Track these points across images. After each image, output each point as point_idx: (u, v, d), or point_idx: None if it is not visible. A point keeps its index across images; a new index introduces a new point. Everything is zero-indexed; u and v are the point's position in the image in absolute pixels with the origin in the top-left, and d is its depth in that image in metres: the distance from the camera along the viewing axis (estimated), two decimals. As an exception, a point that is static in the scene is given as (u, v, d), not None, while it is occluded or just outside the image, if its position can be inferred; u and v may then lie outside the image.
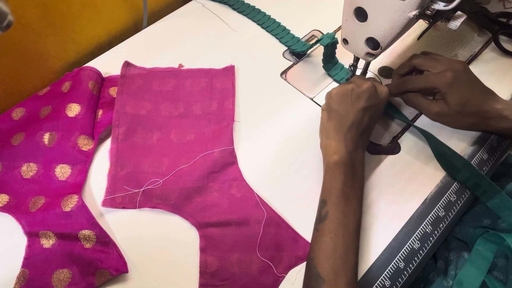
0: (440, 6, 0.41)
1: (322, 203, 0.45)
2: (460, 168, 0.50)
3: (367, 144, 0.50)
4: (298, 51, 0.62)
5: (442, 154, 0.52)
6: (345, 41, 0.50)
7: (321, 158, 0.53)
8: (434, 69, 0.50)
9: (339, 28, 0.64)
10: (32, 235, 0.46)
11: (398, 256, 0.46)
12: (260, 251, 0.46)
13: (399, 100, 0.56)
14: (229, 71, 0.60)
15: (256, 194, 0.49)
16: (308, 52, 0.63)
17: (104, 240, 0.45)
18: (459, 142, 0.53)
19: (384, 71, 0.61)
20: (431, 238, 0.48)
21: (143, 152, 0.53)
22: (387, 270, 0.45)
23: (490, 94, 0.49)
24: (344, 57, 0.60)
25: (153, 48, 0.64)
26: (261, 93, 0.59)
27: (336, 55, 0.60)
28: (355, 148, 0.46)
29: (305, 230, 0.47)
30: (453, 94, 0.48)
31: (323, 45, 0.56)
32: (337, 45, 0.57)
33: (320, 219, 0.44)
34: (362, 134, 0.47)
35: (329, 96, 0.48)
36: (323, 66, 0.60)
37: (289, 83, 0.60)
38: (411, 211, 0.49)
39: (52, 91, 0.58)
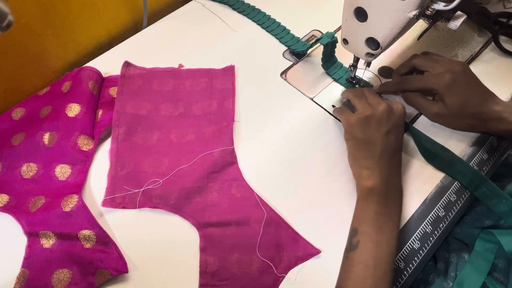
0: (440, 6, 0.41)
1: (353, 231, 0.44)
2: (436, 153, 0.50)
3: (401, 164, 0.49)
4: (298, 51, 0.62)
5: (420, 143, 0.52)
6: (345, 41, 0.50)
7: (321, 157, 0.53)
8: (433, 69, 0.50)
9: (339, 28, 0.64)
10: (32, 235, 0.46)
11: (398, 256, 0.46)
12: (260, 251, 0.46)
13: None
14: (229, 71, 0.60)
15: (256, 194, 0.49)
16: (308, 52, 0.63)
17: (104, 240, 0.45)
18: (459, 143, 0.53)
19: (384, 71, 0.61)
20: (431, 238, 0.48)
21: (143, 152, 0.53)
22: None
23: (489, 96, 0.49)
24: (343, 57, 0.60)
25: (153, 48, 0.64)
26: (261, 93, 0.59)
27: (335, 55, 0.60)
28: (390, 174, 0.45)
29: (305, 230, 0.47)
30: (452, 96, 0.48)
31: (322, 44, 0.56)
32: (337, 44, 0.57)
33: (350, 248, 0.43)
34: (393, 157, 0.46)
35: (349, 124, 0.47)
36: (322, 65, 0.60)
37: (289, 83, 0.60)
38: (411, 211, 0.49)
39: (52, 91, 0.58)
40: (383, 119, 0.45)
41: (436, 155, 0.50)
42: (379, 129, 0.45)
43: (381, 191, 0.44)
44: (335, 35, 0.56)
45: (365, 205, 0.44)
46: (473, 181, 0.49)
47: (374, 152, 0.45)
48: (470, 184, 0.50)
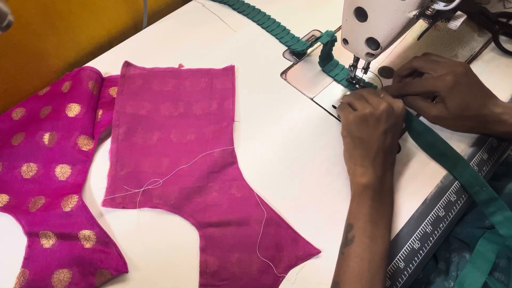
0: (440, 6, 0.41)
1: (349, 226, 0.44)
2: (421, 131, 0.51)
3: (395, 163, 0.50)
4: (298, 51, 0.62)
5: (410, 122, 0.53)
6: (345, 41, 0.50)
7: (321, 157, 0.53)
8: (434, 71, 0.49)
9: (339, 28, 0.64)
10: (32, 235, 0.46)
11: (398, 256, 0.46)
12: (260, 251, 0.46)
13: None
14: (229, 71, 0.60)
15: (256, 194, 0.49)
16: (308, 51, 0.63)
17: (104, 240, 0.45)
18: (459, 143, 0.53)
19: (384, 71, 0.61)
20: (431, 238, 0.48)
21: (143, 152, 0.53)
22: (387, 270, 0.45)
23: (490, 97, 0.49)
24: (343, 57, 0.60)
25: (153, 48, 0.64)
26: (261, 93, 0.59)
27: (332, 53, 0.60)
28: (384, 172, 0.46)
29: (305, 230, 0.47)
30: (453, 98, 0.48)
31: (322, 43, 0.56)
32: (336, 44, 0.57)
33: (346, 243, 0.44)
34: (389, 155, 0.47)
35: (347, 121, 0.47)
36: (319, 63, 0.60)
37: (289, 83, 0.60)
38: (411, 211, 0.49)
39: (52, 91, 0.58)
40: (382, 118, 0.46)
41: (419, 133, 0.52)
42: (377, 127, 0.45)
43: (375, 188, 0.45)
44: (335, 34, 0.56)
45: (359, 202, 0.45)
46: (457, 167, 0.50)
47: (370, 151, 0.45)
48: (454, 169, 0.51)
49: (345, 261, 0.42)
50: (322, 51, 0.58)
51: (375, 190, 0.45)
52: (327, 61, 0.61)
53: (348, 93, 0.58)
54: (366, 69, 0.54)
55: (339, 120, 0.55)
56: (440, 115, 0.50)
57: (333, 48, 0.59)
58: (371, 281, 0.40)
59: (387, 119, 0.46)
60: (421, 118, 0.54)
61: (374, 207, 0.44)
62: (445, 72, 0.48)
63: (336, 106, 0.57)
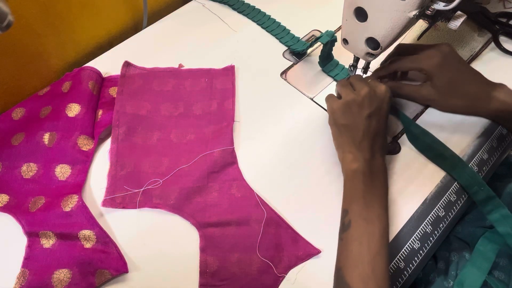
0: (440, 6, 0.41)
1: (344, 212, 0.45)
2: (418, 134, 0.51)
3: (386, 147, 0.50)
4: (298, 50, 0.62)
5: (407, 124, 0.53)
6: (345, 41, 0.50)
7: (321, 157, 0.53)
8: (421, 51, 0.50)
9: (339, 28, 0.64)
10: (32, 235, 0.46)
11: (398, 256, 0.46)
12: (260, 251, 0.46)
13: (398, 100, 0.56)
14: (229, 71, 0.60)
15: (256, 194, 0.49)
16: (308, 51, 0.63)
17: (104, 240, 0.45)
18: (459, 143, 0.53)
19: (384, 71, 0.61)
20: (431, 238, 0.48)
21: (143, 152, 0.53)
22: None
23: (476, 75, 0.50)
24: (343, 57, 0.60)
25: (153, 48, 0.64)
26: (261, 93, 0.59)
27: (332, 53, 0.60)
28: (372, 155, 0.46)
29: (305, 230, 0.47)
30: (441, 76, 0.49)
31: (322, 43, 0.56)
32: (336, 44, 0.57)
33: (343, 228, 0.44)
34: (376, 139, 0.47)
35: (332, 110, 0.48)
36: (319, 63, 0.60)
37: (289, 83, 0.60)
38: (411, 211, 0.49)
39: (52, 91, 0.58)
40: (364, 103, 0.46)
41: (416, 137, 0.52)
42: (360, 113, 0.46)
43: (365, 171, 0.45)
44: (335, 34, 0.56)
45: (351, 186, 0.45)
46: (456, 168, 0.50)
47: (356, 136, 0.46)
48: (452, 170, 0.51)
49: (344, 246, 0.43)
50: (322, 51, 0.58)
51: (365, 174, 0.45)
52: (327, 61, 0.61)
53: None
54: (366, 69, 0.54)
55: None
56: (429, 94, 0.50)
57: (333, 48, 0.59)
58: (372, 262, 0.40)
59: (370, 103, 0.46)
60: (418, 121, 0.54)
61: (366, 190, 0.44)
62: (431, 51, 0.49)
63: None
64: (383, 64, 0.55)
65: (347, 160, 0.46)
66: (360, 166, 0.45)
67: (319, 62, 0.60)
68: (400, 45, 0.54)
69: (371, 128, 0.46)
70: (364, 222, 0.43)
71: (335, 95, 0.50)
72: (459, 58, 0.50)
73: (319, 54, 0.59)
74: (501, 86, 0.50)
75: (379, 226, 0.43)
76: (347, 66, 0.60)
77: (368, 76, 0.55)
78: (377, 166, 0.47)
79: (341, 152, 0.48)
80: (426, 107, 0.56)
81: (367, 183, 0.45)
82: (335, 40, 0.57)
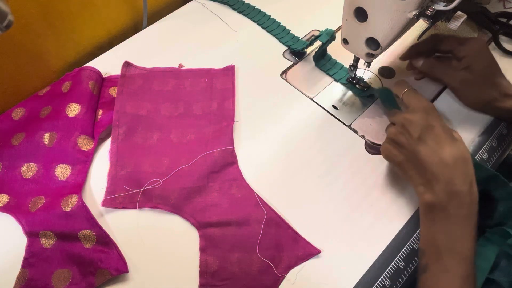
0: (440, 6, 0.41)
1: (420, 252, 0.41)
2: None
3: (471, 172, 0.41)
4: (298, 50, 0.62)
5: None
6: (345, 41, 0.50)
7: (321, 157, 0.53)
8: (459, 41, 0.51)
9: (339, 28, 0.64)
10: (32, 235, 0.46)
11: (398, 256, 0.46)
12: (260, 251, 0.46)
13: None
14: (229, 71, 0.60)
15: (256, 194, 0.49)
16: (308, 51, 0.63)
17: (104, 240, 0.45)
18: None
19: (384, 71, 0.61)
20: (431, 238, 0.48)
21: (143, 152, 0.53)
22: (387, 270, 0.45)
23: (500, 70, 0.51)
24: (343, 56, 0.60)
25: (153, 48, 0.64)
26: (261, 93, 0.59)
27: (327, 50, 0.61)
28: (449, 183, 0.39)
29: (305, 230, 0.47)
30: (478, 62, 0.49)
31: (322, 42, 0.56)
32: (336, 44, 0.57)
33: (421, 269, 0.41)
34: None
35: (384, 155, 0.46)
36: (313, 57, 0.61)
37: (289, 83, 0.60)
38: (411, 211, 0.49)
39: (52, 91, 0.58)
40: (408, 131, 0.43)
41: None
42: (409, 141, 0.42)
43: (443, 205, 0.39)
44: (334, 34, 0.56)
45: (426, 223, 0.41)
46: None
47: (420, 167, 0.42)
48: None
49: None
50: (319, 48, 0.58)
51: (443, 209, 0.39)
52: (321, 57, 0.61)
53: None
54: (366, 68, 0.55)
55: (341, 122, 0.56)
56: (466, 79, 0.50)
57: (334, 48, 0.59)
58: None
59: (413, 129, 0.42)
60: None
61: (444, 229, 0.39)
62: (471, 39, 0.50)
63: (336, 106, 0.57)
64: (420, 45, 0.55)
65: (420, 191, 0.42)
66: (434, 198, 0.39)
67: (313, 57, 0.61)
68: (436, 34, 0.53)
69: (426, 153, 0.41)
70: (441, 270, 0.38)
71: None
72: (489, 50, 0.51)
73: (316, 50, 0.59)
74: None
75: (458, 275, 0.37)
76: (346, 66, 0.60)
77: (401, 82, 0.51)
78: (460, 198, 0.39)
79: (414, 185, 0.43)
80: (440, 92, 0.57)
81: (445, 220, 0.39)
82: (334, 39, 0.57)
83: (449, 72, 0.51)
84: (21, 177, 0.50)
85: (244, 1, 0.70)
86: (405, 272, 0.46)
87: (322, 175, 0.51)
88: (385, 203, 0.49)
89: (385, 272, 0.45)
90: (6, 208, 0.48)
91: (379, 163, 0.52)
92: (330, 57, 0.62)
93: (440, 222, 0.39)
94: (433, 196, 0.40)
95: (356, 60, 0.54)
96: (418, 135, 0.42)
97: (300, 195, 0.50)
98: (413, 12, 0.41)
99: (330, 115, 0.57)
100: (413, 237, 0.47)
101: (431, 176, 0.40)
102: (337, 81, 0.60)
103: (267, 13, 0.68)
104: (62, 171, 0.51)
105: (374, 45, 0.47)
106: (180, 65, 0.62)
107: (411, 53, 0.56)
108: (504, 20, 0.64)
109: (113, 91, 0.58)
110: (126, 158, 0.52)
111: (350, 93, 0.59)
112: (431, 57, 0.55)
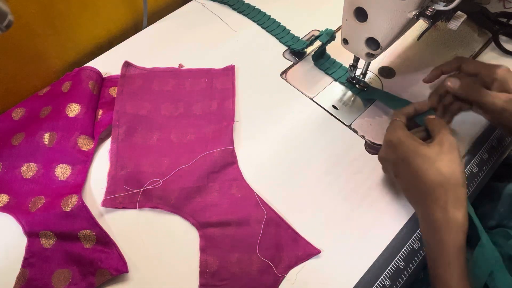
0: (440, 6, 0.41)
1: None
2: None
3: (460, 196, 0.41)
4: (298, 49, 0.62)
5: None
6: (345, 41, 0.50)
7: (321, 157, 0.53)
8: (491, 66, 0.48)
9: (339, 28, 0.64)
10: (32, 235, 0.46)
11: (398, 256, 0.46)
12: (260, 251, 0.46)
13: (398, 92, 0.57)
14: (229, 71, 0.60)
15: (256, 194, 0.49)
16: (308, 51, 0.63)
17: (104, 240, 0.45)
18: (459, 143, 0.53)
19: (384, 71, 0.61)
20: (431, 238, 0.48)
21: (143, 152, 0.53)
22: (387, 270, 0.45)
23: None
24: (343, 57, 0.60)
25: (153, 48, 0.64)
26: (261, 93, 0.59)
27: (326, 50, 0.61)
28: (429, 207, 0.41)
29: (305, 230, 0.47)
30: None
31: (322, 42, 0.56)
32: (336, 44, 0.57)
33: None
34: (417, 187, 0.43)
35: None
36: (312, 57, 0.61)
37: (289, 83, 0.60)
38: (411, 211, 0.49)
39: (52, 91, 0.58)
40: (385, 157, 0.47)
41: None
42: (386, 166, 0.47)
43: (423, 230, 0.43)
44: (334, 34, 0.56)
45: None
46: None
47: (405, 189, 0.46)
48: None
49: None
50: (319, 48, 0.58)
51: (424, 233, 0.42)
52: (320, 57, 0.61)
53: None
54: (366, 68, 0.55)
55: (341, 122, 0.56)
56: (504, 104, 0.45)
57: (333, 48, 0.59)
58: None
59: (391, 152, 0.45)
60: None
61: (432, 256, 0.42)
62: (496, 64, 0.48)
63: (336, 106, 0.57)
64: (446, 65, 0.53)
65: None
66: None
67: (312, 56, 0.61)
68: (460, 57, 0.51)
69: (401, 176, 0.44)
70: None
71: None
72: None
73: (315, 52, 0.60)
74: None
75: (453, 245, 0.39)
76: (346, 65, 0.60)
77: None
78: (438, 222, 0.40)
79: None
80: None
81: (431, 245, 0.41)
82: (333, 39, 0.57)
83: (487, 93, 0.47)
84: (21, 177, 0.50)
85: (244, 1, 0.70)
86: (405, 272, 0.46)
87: (322, 175, 0.51)
88: (385, 203, 0.49)
89: (385, 272, 0.45)
90: (6, 208, 0.48)
91: (379, 163, 0.52)
92: (329, 56, 0.62)
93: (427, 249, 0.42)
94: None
95: (356, 60, 0.54)
96: (394, 159, 0.45)
97: (300, 195, 0.50)
98: (413, 12, 0.41)
99: (330, 115, 0.57)
100: (413, 237, 0.47)
101: (412, 202, 0.45)
102: (336, 80, 0.60)
103: (267, 13, 0.68)
104: (62, 171, 0.51)
105: (374, 45, 0.47)
106: (180, 65, 0.62)
107: (436, 75, 0.54)
108: (504, 20, 0.64)
109: (113, 91, 0.58)
110: (126, 158, 0.52)
111: (350, 93, 0.59)
112: (466, 78, 0.50)
